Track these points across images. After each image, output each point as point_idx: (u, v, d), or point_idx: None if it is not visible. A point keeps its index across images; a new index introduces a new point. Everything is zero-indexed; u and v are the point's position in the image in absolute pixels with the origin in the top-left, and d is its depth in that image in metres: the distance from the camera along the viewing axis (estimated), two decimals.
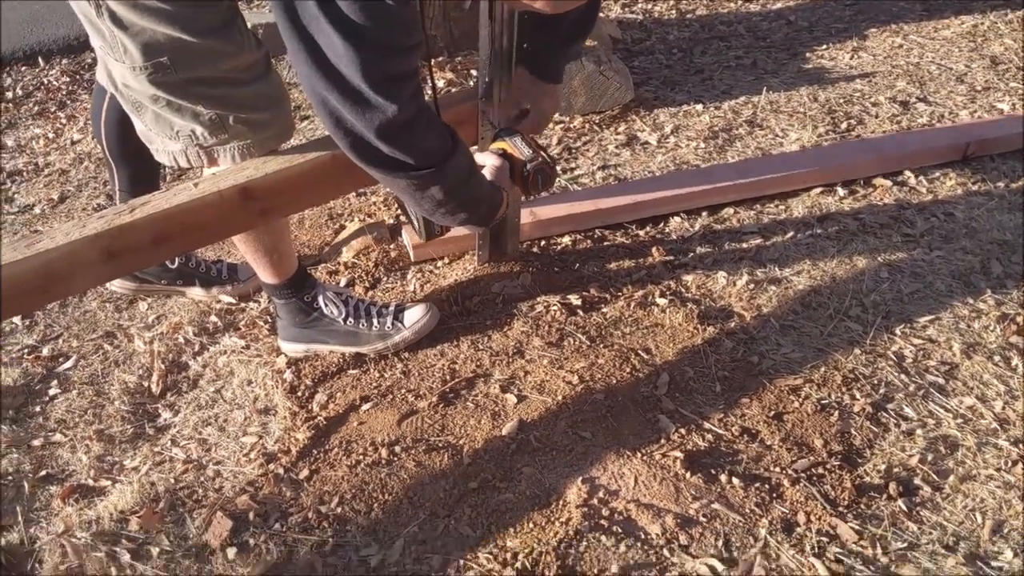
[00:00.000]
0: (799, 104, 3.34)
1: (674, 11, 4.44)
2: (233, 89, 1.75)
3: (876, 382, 2.06)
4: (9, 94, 4.37)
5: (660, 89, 3.54)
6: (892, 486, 1.80)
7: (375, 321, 2.18)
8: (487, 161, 1.93)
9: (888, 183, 2.79)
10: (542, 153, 1.96)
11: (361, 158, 1.56)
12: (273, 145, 1.87)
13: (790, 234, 2.57)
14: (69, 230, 1.68)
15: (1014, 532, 1.72)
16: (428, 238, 1.99)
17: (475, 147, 2.24)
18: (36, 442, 2.04)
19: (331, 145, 1.94)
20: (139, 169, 2.26)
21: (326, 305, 2.16)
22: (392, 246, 2.57)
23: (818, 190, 2.76)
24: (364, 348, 2.18)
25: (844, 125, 3.17)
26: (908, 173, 2.83)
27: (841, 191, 2.76)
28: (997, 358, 2.13)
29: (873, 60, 3.73)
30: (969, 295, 2.33)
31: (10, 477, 1.95)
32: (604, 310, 2.30)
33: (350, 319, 2.17)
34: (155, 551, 1.73)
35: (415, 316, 2.19)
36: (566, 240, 2.57)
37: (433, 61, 3.70)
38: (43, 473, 1.96)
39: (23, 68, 4.70)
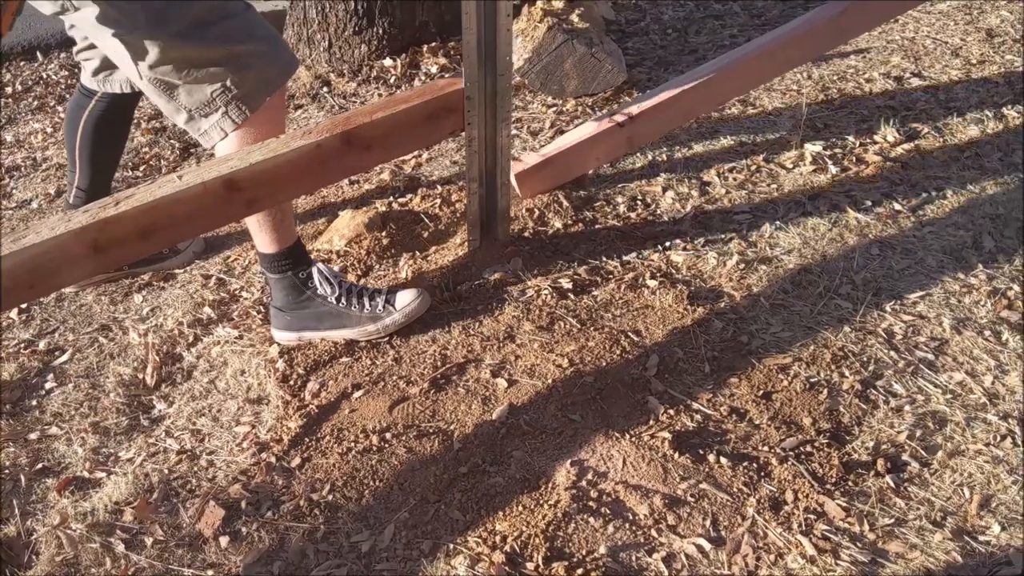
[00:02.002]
0: (792, 82, 3.33)
1: None
2: (226, 22, 1.86)
3: (865, 359, 2.07)
4: (8, 89, 4.39)
5: (654, 70, 3.54)
6: (880, 463, 1.80)
7: (367, 303, 2.19)
8: None
9: (879, 159, 2.78)
10: None
11: None
12: (286, 74, 2.00)
13: (781, 213, 2.57)
14: (55, 224, 1.69)
15: (1002, 507, 1.72)
16: None
17: (463, 133, 2.25)
18: (33, 436, 2.06)
19: (316, 134, 1.96)
20: (102, 175, 2.49)
21: (320, 284, 2.18)
22: (384, 233, 2.58)
23: (809, 168, 2.76)
24: (355, 331, 2.19)
25: (837, 102, 3.16)
26: (900, 150, 2.82)
27: (833, 168, 2.75)
28: (988, 333, 2.13)
29: (868, 36, 3.70)
30: (960, 270, 2.32)
31: (7, 471, 1.98)
32: (595, 293, 2.30)
33: (342, 300, 2.18)
34: (149, 541, 1.75)
35: (406, 299, 2.21)
36: (557, 224, 2.57)
37: (425, 47, 3.71)
38: (39, 466, 1.98)
39: (22, 63, 4.72)
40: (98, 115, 2.39)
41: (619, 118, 2.59)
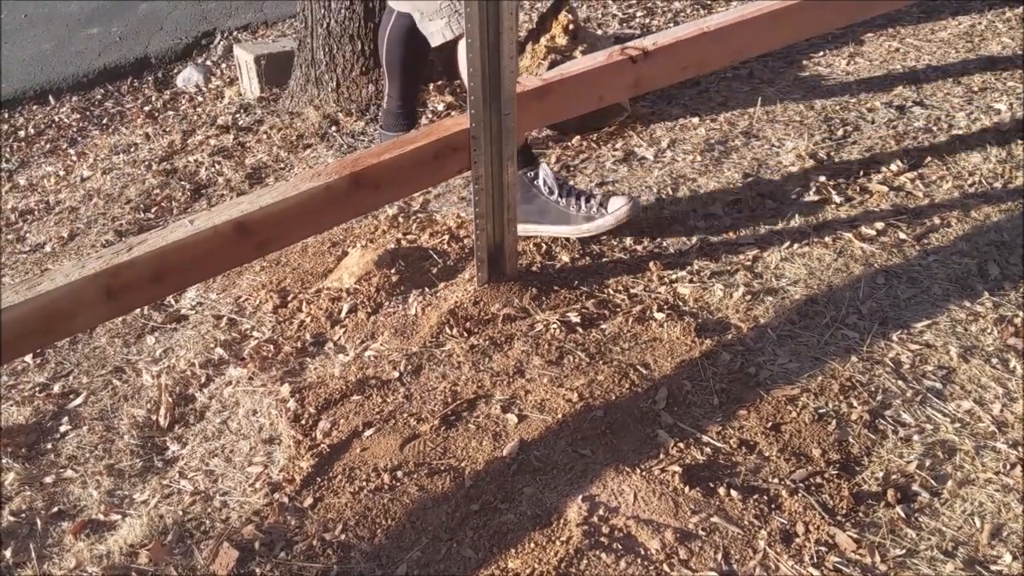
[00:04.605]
0: (795, 113, 3.36)
1: (671, 24, 4.47)
2: None
3: (873, 389, 2.08)
4: (21, 133, 4.46)
5: (656, 104, 3.57)
6: (890, 493, 1.81)
7: (583, 204, 2.57)
8: None
9: (884, 188, 2.80)
10: None
11: None
12: None
13: (786, 244, 2.58)
14: (69, 271, 1.72)
15: (1013, 535, 1.72)
16: None
17: (468, 172, 2.28)
18: (48, 479, 2.09)
19: (325, 176, 1.99)
20: (408, 83, 2.84)
21: (544, 184, 2.57)
22: (393, 270, 2.60)
23: (814, 198, 2.78)
24: (571, 228, 2.60)
25: (840, 132, 3.18)
26: (904, 179, 2.85)
27: (837, 198, 2.77)
28: (995, 361, 2.14)
29: (869, 65, 3.74)
30: (966, 298, 2.33)
31: (23, 515, 2.00)
32: (603, 326, 2.32)
33: (561, 199, 2.57)
34: None
35: (617, 204, 2.56)
36: (564, 258, 2.59)
37: (432, 85, 3.75)
38: (55, 509, 2.00)
39: (34, 107, 4.79)
40: (399, 27, 2.68)
41: (632, 52, 2.45)
